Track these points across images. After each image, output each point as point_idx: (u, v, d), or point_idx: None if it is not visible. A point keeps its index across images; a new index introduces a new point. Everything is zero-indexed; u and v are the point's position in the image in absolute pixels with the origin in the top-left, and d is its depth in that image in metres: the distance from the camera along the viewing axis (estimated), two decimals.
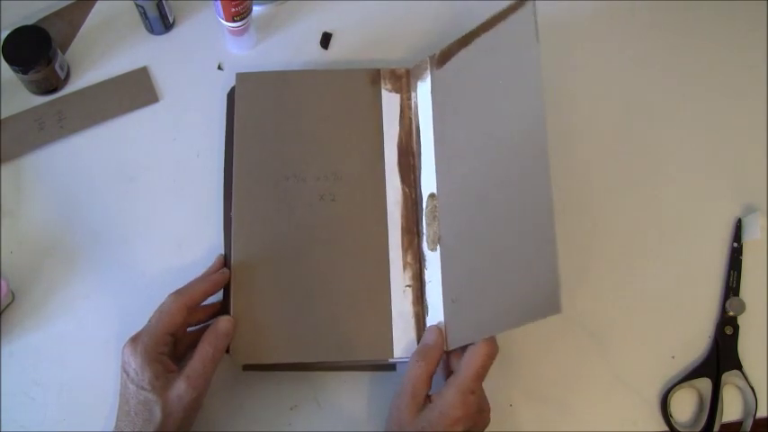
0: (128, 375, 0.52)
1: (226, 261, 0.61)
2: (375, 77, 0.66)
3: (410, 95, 0.66)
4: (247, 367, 0.60)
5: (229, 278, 0.59)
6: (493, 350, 0.54)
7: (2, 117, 0.68)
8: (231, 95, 0.67)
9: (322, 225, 0.61)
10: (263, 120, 0.64)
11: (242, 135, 0.64)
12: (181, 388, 0.51)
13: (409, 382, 0.55)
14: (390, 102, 0.66)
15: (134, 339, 0.53)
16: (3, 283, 0.60)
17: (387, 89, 0.66)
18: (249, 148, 0.63)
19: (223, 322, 0.56)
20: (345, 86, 0.66)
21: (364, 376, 0.61)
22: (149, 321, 0.54)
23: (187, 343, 0.57)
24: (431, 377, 0.55)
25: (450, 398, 0.53)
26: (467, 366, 0.53)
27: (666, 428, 0.62)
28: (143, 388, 0.51)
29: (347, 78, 0.66)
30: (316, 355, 0.58)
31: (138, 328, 0.54)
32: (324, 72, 0.68)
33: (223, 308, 0.59)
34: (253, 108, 0.65)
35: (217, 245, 0.64)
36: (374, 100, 0.65)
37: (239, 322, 0.57)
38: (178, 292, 0.55)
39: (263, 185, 0.62)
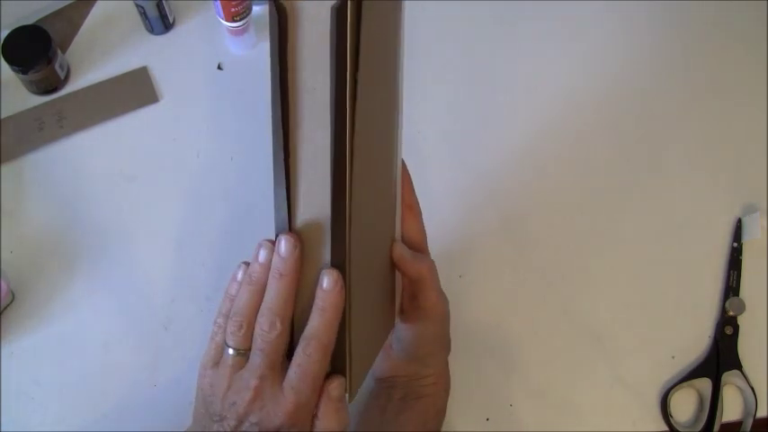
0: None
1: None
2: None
3: None
4: None
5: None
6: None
7: (2, 117, 0.68)
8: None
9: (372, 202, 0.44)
10: (382, 44, 0.43)
11: (366, 60, 0.40)
12: None
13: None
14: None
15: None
16: (3, 283, 0.60)
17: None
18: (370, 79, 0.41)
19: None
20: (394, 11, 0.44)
21: None
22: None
23: None
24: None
25: (434, 298, 0.49)
26: (424, 271, 0.48)
27: (666, 428, 0.62)
28: None
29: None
30: (378, 346, 0.50)
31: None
32: None
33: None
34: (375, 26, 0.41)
35: (217, 245, 0.64)
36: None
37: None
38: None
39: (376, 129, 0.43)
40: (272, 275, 0.39)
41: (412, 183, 0.50)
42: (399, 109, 0.47)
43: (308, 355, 0.38)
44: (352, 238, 0.40)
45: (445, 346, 0.53)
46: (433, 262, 0.50)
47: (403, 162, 0.49)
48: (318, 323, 0.39)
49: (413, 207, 0.50)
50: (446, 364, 0.55)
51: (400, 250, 0.47)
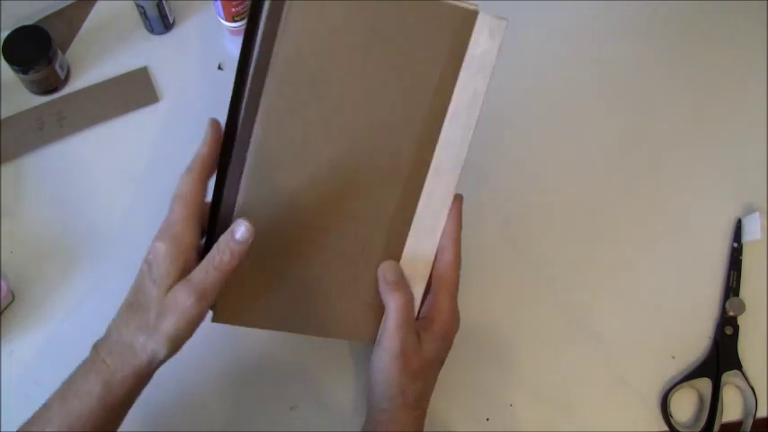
0: (149, 267, 0.49)
1: (218, 203, 0.52)
2: (468, 18, 0.50)
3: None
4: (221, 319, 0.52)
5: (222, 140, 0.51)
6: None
7: (2, 117, 0.68)
8: None
9: (343, 184, 0.50)
10: (320, 42, 0.48)
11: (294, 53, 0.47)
12: (180, 294, 0.46)
13: (396, 325, 0.48)
14: (478, 53, 0.51)
15: (163, 231, 0.49)
16: (3, 283, 0.60)
17: (479, 37, 0.50)
18: (297, 71, 0.48)
19: (240, 228, 0.46)
20: (424, 23, 0.49)
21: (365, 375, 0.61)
22: (172, 212, 0.49)
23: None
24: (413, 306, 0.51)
25: (447, 305, 0.50)
26: (448, 273, 0.50)
27: (666, 428, 0.62)
28: (153, 281, 0.48)
29: (430, 13, 0.49)
30: (303, 328, 0.53)
31: None
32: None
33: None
34: (315, 23, 0.48)
35: None
36: (456, 47, 0.50)
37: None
38: (187, 169, 0.51)
39: (300, 115, 0.49)
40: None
41: (461, 223, 0.51)
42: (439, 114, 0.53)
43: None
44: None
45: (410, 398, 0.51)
46: (407, 298, 0.50)
47: (460, 197, 0.51)
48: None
49: (455, 242, 0.51)
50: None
51: (385, 269, 0.50)
